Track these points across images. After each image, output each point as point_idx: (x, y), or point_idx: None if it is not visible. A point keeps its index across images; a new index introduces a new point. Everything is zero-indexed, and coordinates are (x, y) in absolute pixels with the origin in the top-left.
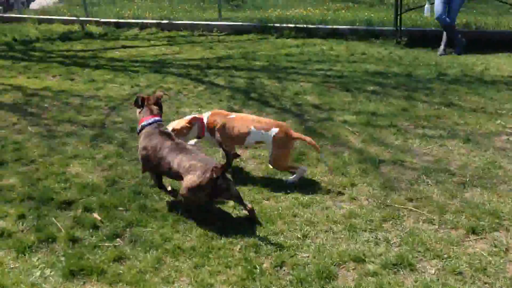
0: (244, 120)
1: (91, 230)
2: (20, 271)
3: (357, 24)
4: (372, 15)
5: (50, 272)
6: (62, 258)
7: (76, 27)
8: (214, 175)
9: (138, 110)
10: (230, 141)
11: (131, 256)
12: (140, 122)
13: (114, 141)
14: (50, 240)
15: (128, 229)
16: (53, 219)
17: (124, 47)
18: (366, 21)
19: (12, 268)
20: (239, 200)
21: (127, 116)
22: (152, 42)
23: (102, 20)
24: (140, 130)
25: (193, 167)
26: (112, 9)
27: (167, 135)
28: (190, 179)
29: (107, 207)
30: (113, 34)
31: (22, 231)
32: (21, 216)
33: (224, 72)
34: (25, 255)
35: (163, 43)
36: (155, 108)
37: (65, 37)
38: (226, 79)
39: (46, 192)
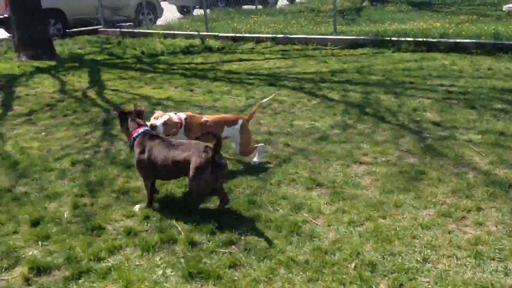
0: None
1: (208, 235)
2: (144, 268)
3: (483, 38)
4: (500, 28)
5: (171, 272)
6: (182, 260)
7: (196, 41)
8: (211, 153)
9: (120, 125)
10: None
11: (245, 264)
12: (131, 135)
13: (229, 151)
14: (171, 241)
15: (242, 237)
16: (174, 221)
17: (240, 60)
18: (493, 34)
19: (137, 265)
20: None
21: None
22: (267, 55)
23: (221, 34)
24: (132, 143)
25: (189, 156)
26: (230, 25)
27: (155, 137)
28: (194, 163)
29: (224, 213)
30: (230, 47)
31: (147, 231)
32: (146, 217)
33: (338, 86)
34: (149, 253)
35: (277, 56)
36: (140, 120)
37: (187, 51)
38: (340, 93)
39: (168, 196)
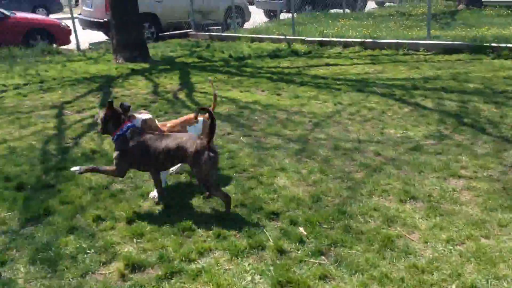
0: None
1: (297, 244)
2: (234, 273)
3: None
4: None
5: (260, 279)
6: (271, 268)
7: (283, 45)
8: (207, 139)
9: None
10: None
11: (336, 277)
12: (117, 130)
13: (317, 157)
14: (260, 247)
15: (332, 248)
16: (262, 228)
17: (327, 65)
18: None
19: (226, 269)
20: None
21: (330, 134)
22: (354, 60)
23: (307, 38)
24: (120, 136)
25: (183, 142)
26: (317, 28)
27: (144, 132)
28: (190, 148)
29: (312, 223)
30: (317, 52)
31: (235, 235)
32: (235, 221)
33: (432, 93)
34: (237, 258)
35: (365, 61)
36: (125, 116)
37: (273, 55)
38: (434, 101)
39: (256, 201)
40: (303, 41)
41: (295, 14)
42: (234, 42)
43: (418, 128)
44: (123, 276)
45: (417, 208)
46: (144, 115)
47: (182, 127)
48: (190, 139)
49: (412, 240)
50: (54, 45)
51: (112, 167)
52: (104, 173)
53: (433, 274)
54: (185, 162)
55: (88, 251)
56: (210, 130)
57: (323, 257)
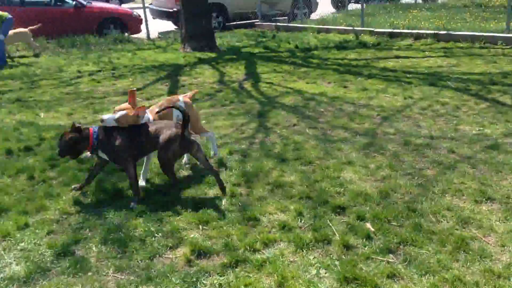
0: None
1: (364, 240)
2: (298, 266)
3: None
4: None
5: (325, 273)
6: (337, 262)
7: (351, 36)
8: (181, 128)
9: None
10: None
11: (405, 276)
12: (90, 140)
13: (386, 153)
14: (325, 241)
15: (401, 247)
16: (328, 221)
17: (397, 57)
18: None
19: (291, 261)
20: (205, 161)
21: (400, 128)
22: (426, 53)
23: (376, 30)
24: (97, 143)
25: (159, 129)
26: (386, 20)
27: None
28: (164, 135)
29: (380, 220)
30: (387, 44)
31: (301, 227)
32: (300, 213)
33: (511, 89)
34: (302, 251)
35: (438, 54)
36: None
37: (340, 46)
38: None
39: (322, 194)
40: (371, 33)
41: (364, 5)
42: (300, 33)
43: (496, 126)
44: (189, 261)
45: (494, 210)
46: (116, 114)
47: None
48: (166, 127)
49: (488, 243)
50: (126, 34)
51: (128, 172)
52: (133, 180)
53: (510, 280)
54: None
55: (156, 235)
56: (184, 119)
57: (391, 255)
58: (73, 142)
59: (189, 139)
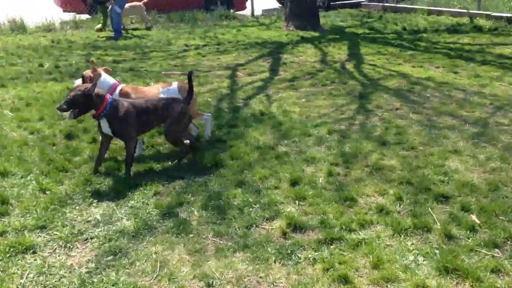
0: (151, 88)
1: (467, 232)
2: (395, 250)
3: None
4: None
5: (423, 260)
6: (436, 251)
7: (465, 19)
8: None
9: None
10: None
11: (510, 273)
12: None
13: (498, 144)
14: (425, 229)
15: (509, 242)
16: (429, 209)
17: None
18: None
19: (387, 245)
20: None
21: None
22: None
23: (494, 14)
24: (109, 110)
25: (168, 102)
26: (506, 3)
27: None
28: (175, 109)
29: (487, 212)
30: (504, 29)
31: (399, 212)
32: (399, 198)
33: None
34: (400, 236)
35: None
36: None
37: (452, 30)
38: None
39: (424, 181)
40: (488, 17)
41: None
42: (408, 14)
43: None
44: (284, 234)
45: None
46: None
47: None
48: (175, 101)
49: None
50: (231, 11)
51: (128, 147)
52: (130, 157)
53: None
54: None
55: (254, 206)
56: (188, 94)
57: (497, 250)
58: (87, 96)
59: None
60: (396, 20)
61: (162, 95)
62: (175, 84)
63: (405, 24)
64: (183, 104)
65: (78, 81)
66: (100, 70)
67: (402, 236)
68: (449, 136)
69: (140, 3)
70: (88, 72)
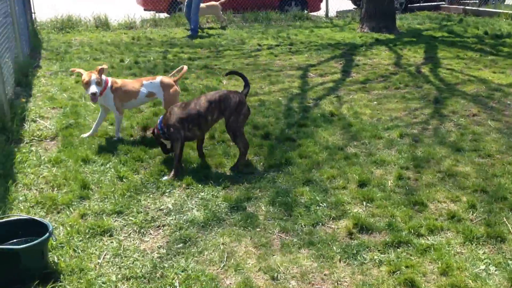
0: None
1: None
2: (466, 258)
3: None
4: None
5: (495, 270)
6: (510, 262)
7: None
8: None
9: None
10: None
11: None
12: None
13: None
14: (498, 238)
15: None
16: (504, 219)
17: None
18: None
19: (458, 252)
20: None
21: None
22: None
23: None
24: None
25: (224, 94)
26: None
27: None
28: (234, 99)
29: None
30: None
31: (472, 220)
32: (472, 206)
33: None
34: (471, 244)
35: None
36: None
37: None
38: None
39: (499, 190)
40: None
41: None
42: (491, 18)
43: None
44: (350, 234)
45: None
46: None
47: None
48: (232, 92)
49: None
50: (305, 11)
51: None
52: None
53: None
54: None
55: (321, 204)
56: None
57: None
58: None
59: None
60: (477, 24)
61: (144, 88)
62: (158, 78)
63: (487, 28)
64: (241, 94)
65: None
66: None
67: (474, 244)
68: None
69: (217, 3)
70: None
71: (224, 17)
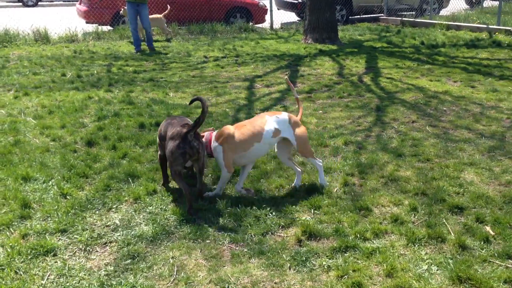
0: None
1: (481, 243)
2: (409, 259)
3: None
4: None
5: (437, 270)
6: (450, 261)
7: (483, 35)
8: (186, 129)
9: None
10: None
11: None
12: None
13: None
14: (439, 239)
15: None
16: (444, 220)
17: None
18: None
19: (401, 254)
20: (201, 169)
21: None
22: None
23: None
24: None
25: (166, 127)
26: None
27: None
28: (169, 133)
29: (502, 224)
30: None
31: (414, 222)
32: (414, 209)
33: None
34: (414, 245)
35: None
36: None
37: (471, 44)
38: None
39: (439, 192)
40: (508, 32)
41: (502, 2)
42: (427, 29)
43: None
44: (299, 241)
45: None
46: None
47: None
48: (174, 126)
49: None
50: (251, 23)
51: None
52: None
53: None
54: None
55: (270, 214)
56: (196, 122)
57: (510, 261)
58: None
59: (189, 142)
60: (414, 35)
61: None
62: (285, 114)
63: (423, 39)
64: (181, 128)
65: None
66: None
67: (416, 245)
68: (465, 149)
69: (161, 16)
70: None
71: (169, 29)
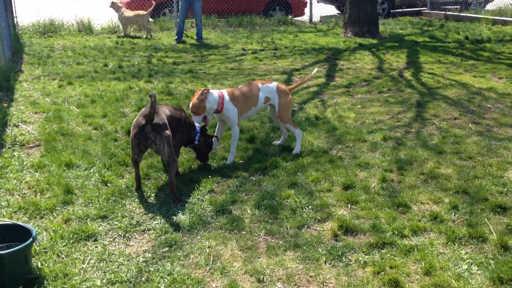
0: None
1: None
2: (448, 258)
3: None
4: None
5: (477, 270)
6: (491, 261)
7: None
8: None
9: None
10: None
11: None
12: None
13: None
14: (480, 239)
15: None
16: (486, 219)
17: None
18: None
19: (440, 252)
20: (167, 161)
21: None
22: None
23: None
24: None
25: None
26: None
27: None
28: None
29: None
30: None
31: (454, 221)
32: (454, 207)
33: None
34: (454, 244)
35: None
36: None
37: None
38: None
39: (481, 191)
40: None
41: None
42: (472, 23)
43: None
44: (335, 236)
45: None
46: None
47: None
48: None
49: None
50: (290, 16)
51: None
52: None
53: None
54: None
55: (306, 207)
56: (149, 113)
57: None
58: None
59: (143, 132)
60: (458, 29)
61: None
62: (274, 84)
63: (468, 33)
64: (141, 117)
65: None
66: None
67: (456, 244)
68: (509, 147)
69: (146, 12)
70: None
71: (150, 27)
